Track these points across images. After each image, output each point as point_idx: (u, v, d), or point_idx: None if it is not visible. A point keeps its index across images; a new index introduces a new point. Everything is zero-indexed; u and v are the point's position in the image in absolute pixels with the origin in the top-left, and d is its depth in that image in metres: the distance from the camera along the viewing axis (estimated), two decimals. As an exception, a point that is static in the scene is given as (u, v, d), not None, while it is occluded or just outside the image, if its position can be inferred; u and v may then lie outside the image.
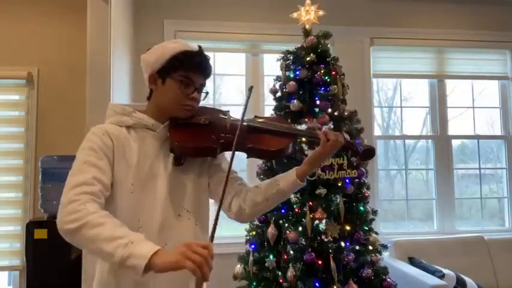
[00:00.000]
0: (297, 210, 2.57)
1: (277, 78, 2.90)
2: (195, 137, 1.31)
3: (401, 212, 4.04)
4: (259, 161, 2.79)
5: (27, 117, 3.51)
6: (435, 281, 2.92)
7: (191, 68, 1.30)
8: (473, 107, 4.20)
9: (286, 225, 2.56)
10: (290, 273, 2.42)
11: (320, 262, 2.45)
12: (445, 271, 3.10)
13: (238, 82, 3.88)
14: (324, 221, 2.55)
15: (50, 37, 3.56)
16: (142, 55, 1.37)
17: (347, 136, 2.63)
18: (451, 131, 4.08)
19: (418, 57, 4.05)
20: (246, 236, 2.77)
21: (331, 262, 2.42)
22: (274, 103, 2.89)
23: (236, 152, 1.26)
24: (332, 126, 2.68)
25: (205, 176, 1.39)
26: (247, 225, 2.78)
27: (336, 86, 2.75)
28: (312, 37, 2.82)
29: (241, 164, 3.53)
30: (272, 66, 3.26)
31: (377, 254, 2.63)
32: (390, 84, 4.21)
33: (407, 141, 4.13)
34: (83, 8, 2.80)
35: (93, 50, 2.76)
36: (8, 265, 3.42)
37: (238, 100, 3.87)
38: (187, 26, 3.64)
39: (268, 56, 3.82)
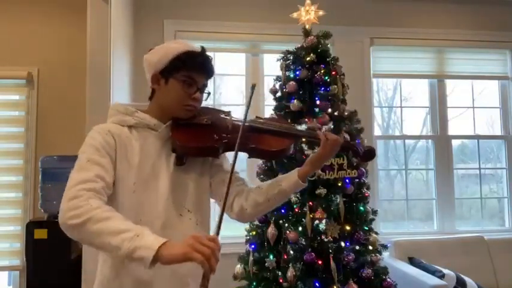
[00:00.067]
0: (297, 210, 2.57)
1: (277, 78, 2.90)
2: (197, 137, 1.31)
3: (401, 212, 4.04)
4: (260, 161, 2.79)
5: (27, 117, 3.51)
6: (435, 281, 2.92)
7: (194, 68, 1.30)
8: (473, 107, 4.19)
9: (286, 225, 2.56)
10: (290, 273, 2.42)
11: (320, 262, 2.45)
12: (445, 271, 3.10)
13: (238, 82, 3.88)
14: (324, 221, 2.55)
15: (50, 37, 3.56)
16: (144, 55, 1.37)
17: (347, 136, 2.64)
18: (451, 131, 4.08)
19: (418, 57, 4.05)
20: (246, 236, 2.77)
21: (331, 262, 2.42)
22: (274, 103, 2.89)
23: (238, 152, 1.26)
24: (332, 126, 2.68)
25: (206, 176, 1.39)
26: (247, 225, 2.79)
27: (336, 86, 2.75)
28: (312, 37, 2.82)
29: (242, 164, 3.53)
30: (272, 66, 3.26)
31: (377, 254, 2.63)
32: (390, 84, 4.21)
33: (407, 141, 4.13)
34: (83, 8, 2.81)
35: (93, 50, 2.76)
36: (8, 265, 3.42)
37: (238, 100, 3.87)
38: (187, 26, 3.64)
39: (268, 56, 3.82)
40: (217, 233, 1.08)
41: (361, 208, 2.67)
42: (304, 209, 2.53)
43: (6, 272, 3.49)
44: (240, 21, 3.71)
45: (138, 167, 1.25)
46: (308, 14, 2.92)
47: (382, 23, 3.91)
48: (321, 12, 2.93)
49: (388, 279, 2.59)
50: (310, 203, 2.54)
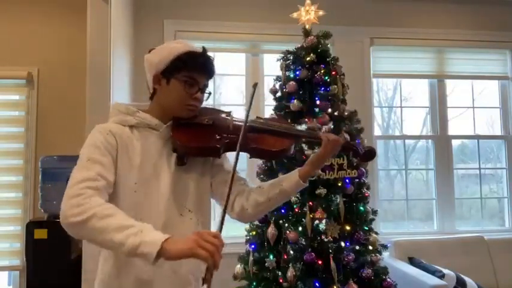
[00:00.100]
0: (297, 210, 2.57)
1: (277, 78, 2.90)
2: (198, 137, 1.32)
3: (401, 212, 4.04)
4: (260, 161, 2.79)
5: (27, 117, 3.51)
6: (435, 281, 2.92)
7: (195, 68, 1.31)
8: (473, 107, 4.20)
9: (286, 225, 2.56)
10: (290, 273, 2.42)
11: (320, 262, 2.45)
12: (445, 271, 3.10)
13: (238, 82, 3.88)
14: (324, 221, 2.55)
15: (50, 37, 3.56)
16: (145, 55, 1.38)
17: (347, 136, 2.64)
18: (451, 131, 4.08)
19: (418, 57, 4.05)
20: (246, 236, 2.77)
21: (331, 262, 2.42)
22: (274, 103, 2.89)
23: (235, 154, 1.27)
24: (332, 126, 2.68)
25: (207, 176, 1.40)
26: (247, 225, 2.79)
27: (336, 86, 2.75)
28: (312, 37, 2.82)
29: (242, 164, 3.51)
30: (272, 66, 3.26)
31: (377, 254, 2.63)
32: (390, 84, 4.21)
33: (407, 141, 4.13)
34: (83, 8, 2.80)
35: (93, 50, 2.76)
36: (8, 265, 3.42)
37: (238, 100, 3.87)
38: (187, 26, 3.64)
39: (268, 56, 3.82)
40: (220, 230, 1.09)
41: (361, 208, 2.67)
42: (304, 209, 2.53)
43: (6, 272, 3.49)
44: (240, 21, 3.71)
45: (139, 167, 1.26)
46: (308, 14, 2.92)
47: (382, 23, 3.91)
48: (321, 12, 2.93)
49: (388, 279, 2.59)
50: (310, 203, 2.54)
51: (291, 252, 2.50)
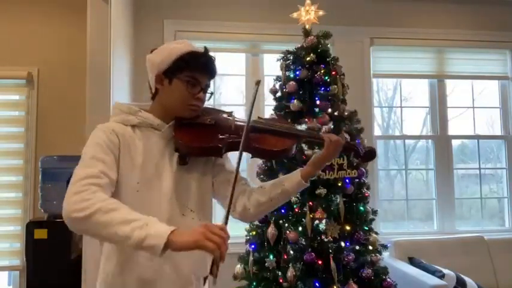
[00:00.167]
0: (297, 210, 2.57)
1: (277, 78, 2.90)
2: (200, 137, 1.32)
3: (401, 212, 4.04)
4: (260, 161, 2.79)
5: (27, 117, 3.51)
6: (435, 281, 2.92)
7: (197, 68, 1.31)
8: (473, 107, 4.19)
9: (286, 225, 2.56)
10: (290, 273, 2.42)
11: (320, 262, 2.45)
12: (445, 271, 3.10)
13: (238, 82, 3.88)
14: (324, 221, 2.55)
15: (50, 37, 3.56)
16: (147, 55, 1.38)
17: (347, 136, 2.64)
18: (451, 131, 4.08)
19: (418, 57, 4.05)
20: (246, 236, 2.77)
21: (331, 262, 2.42)
22: (274, 103, 2.89)
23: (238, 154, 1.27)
24: (332, 126, 2.68)
25: (209, 176, 1.40)
26: (247, 225, 2.79)
27: (336, 86, 2.75)
28: (312, 37, 2.82)
29: (242, 164, 3.52)
30: (272, 66, 3.26)
31: (377, 254, 2.63)
32: (390, 84, 4.21)
33: (407, 141, 4.13)
34: (83, 8, 2.80)
35: (93, 50, 2.76)
36: (8, 265, 3.42)
37: (238, 100, 3.87)
38: (187, 26, 3.64)
39: (268, 56, 3.82)
40: (226, 223, 1.11)
41: (361, 208, 2.67)
42: (304, 209, 2.53)
43: (6, 272, 3.49)
44: (240, 21, 3.71)
45: (141, 167, 1.26)
46: (308, 14, 2.92)
47: (382, 23, 3.91)
48: (321, 12, 2.93)
49: (388, 279, 2.59)
50: (310, 203, 2.54)
51: (291, 252, 2.50)
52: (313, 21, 2.92)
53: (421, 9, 3.99)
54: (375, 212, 2.77)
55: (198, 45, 1.38)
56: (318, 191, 2.53)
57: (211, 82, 1.41)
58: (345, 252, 2.50)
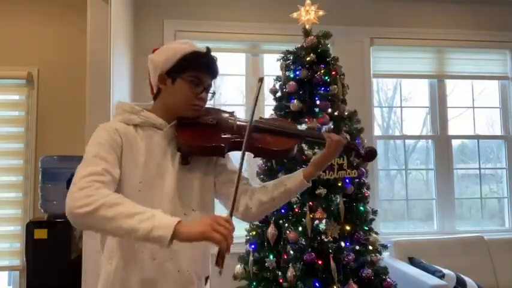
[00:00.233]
0: (297, 210, 2.57)
1: (277, 78, 2.90)
2: (203, 137, 1.33)
3: (401, 212, 4.04)
4: (260, 161, 2.79)
5: (27, 117, 3.51)
6: (435, 281, 2.92)
7: (200, 68, 1.32)
8: (473, 107, 4.19)
9: (286, 225, 2.56)
10: (290, 273, 2.42)
11: (320, 262, 2.45)
12: (445, 271, 3.10)
13: (238, 82, 3.87)
14: (324, 221, 2.55)
15: (50, 37, 3.56)
16: (149, 55, 1.39)
17: (347, 136, 2.64)
18: (451, 131, 4.08)
19: (418, 57, 4.05)
20: (246, 236, 2.77)
21: (331, 262, 2.43)
22: (274, 103, 2.89)
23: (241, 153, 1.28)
24: (332, 126, 2.68)
25: (211, 175, 1.41)
26: (247, 225, 2.79)
27: (336, 86, 2.75)
28: (312, 37, 2.82)
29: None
30: (272, 66, 3.26)
31: (377, 254, 2.63)
32: (390, 84, 4.21)
33: (407, 141, 4.13)
34: (83, 8, 2.80)
35: (93, 50, 2.76)
36: (8, 265, 3.42)
37: (238, 100, 3.87)
38: (187, 26, 3.64)
39: (268, 56, 3.82)
40: (231, 215, 1.12)
41: (361, 208, 2.67)
42: (304, 209, 2.53)
43: (6, 272, 3.49)
44: (240, 21, 3.71)
45: (143, 166, 1.27)
46: (308, 14, 2.92)
47: (382, 23, 3.91)
48: (321, 12, 2.93)
49: (388, 279, 2.59)
50: (310, 203, 2.54)
51: (291, 252, 2.50)
52: (313, 21, 2.92)
53: (421, 9, 3.99)
54: (375, 212, 2.77)
55: (198, 45, 1.38)
56: (318, 191, 2.53)
57: (212, 82, 1.41)
58: (345, 252, 2.50)
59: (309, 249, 2.46)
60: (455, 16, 4.04)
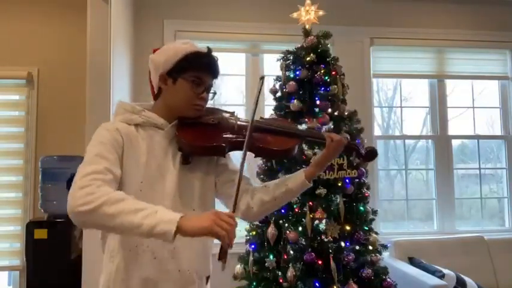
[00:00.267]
0: (297, 210, 2.57)
1: (277, 78, 2.90)
2: (204, 136, 1.33)
3: (401, 212, 4.04)
4: (260, 161, 2.79)
5: (27, 117, 3.51)
6: (435, 281, 2.92)
7: (202, 68, 1.33)
8: (473, 107, 4.19)
9: (286, 225, 2.56)
10: (290, 273, 2.42)
11: (320, 262, 2.45)
12: (445, 271, 3.10)
13: (238, 82, 3.88)
14: (324, 221, 2.55)
15: (50, 37, 3.56)
16: (150, 55, 1.39)
17: (347, 136, 2.64)
18: (451, 131, 4.08)
19: (418, 57, 4.05)
20: (246, 236, 2.77)
21: (331, 262, 2.43)
22: (274, 103, 2.89)
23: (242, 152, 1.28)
24: (332, 126, 2.68)
25: (212, 175, 1.41)
26: (247, 225, 2.79)
27: (336, 86, 2.75)
28: (312, 37, 2.82)
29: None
30: (272, 66, 3.26)
31: (377, 254, 2.63)
32: (390, 84, 4.21)
33: (407, 141, 4.13)
34: (83, 8, 2.80)
35: (93, 50, 2.76)
36: (8, 265, 3.42)
37: (238, 100, 3.87)
38: (187, 26, 3.64)
39: (268, 56, 3.82)
40: (233, 211, 1.14)
41: (361, 208, 2.67)
42: (304, 209, 2.53)
43: (6, 272, 3.49)
44: (240, 21, 3.71)
45: (145, 166, 1.27)
46: (308, 14, 2.92)
47: (382, 23, 3.91)
48: (321, 12, 2.93)
49: (388, 279, 2.59)
50: (310, 203, 2.54)
51: (291, 252, 2.50)
52: (313, 21, 2.92)
53: (421, 9, 3.99)
54: (375, 212, 2.77)
55: (199, 45, 1.38)
56: (318, 191, 2.53)
57: (213, 82, 1.41)
58: (345, 252, 2.50)
59: (309, 249, 2.46)
60: (455, 16, 4.04)
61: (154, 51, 1.40)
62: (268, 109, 3.43)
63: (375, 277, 2.54)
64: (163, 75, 1.33)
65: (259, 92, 1.36)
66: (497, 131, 4.20)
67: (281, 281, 2.48)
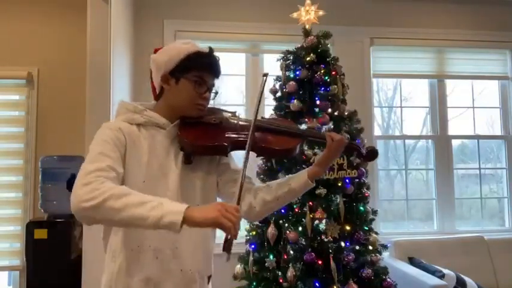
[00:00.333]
0: (297, 210, 2.57)
1: (277, 78, 2.91)
2: (206, 136, 1.34)
3: (401, 212, 4.04)
4: (260, 161, 2.79)
5: (27, 117, 3.51)
6: (435, 281, 2.92)
7: (204, 68, 1.34)
8: (473, 107, 4.19)
9: (286, 225, 2.56)
10: (290, 273, 2.42)
11: (320, 262, 2.45)
12: (445, 271, 3.10)
13: (238, 82, 3.87)
14: (324, 221, 2.55)
15: (50, 37, 3.56)
16: (152, 55, 1.39)
17: (347, 136, 2.64)
18: (451, 131, 4.08)
19: (418, 57, 4.05)
20: (246, 236, 2.77)
21: (331, 262, 2.43)
22: (274, 103, 2.90)
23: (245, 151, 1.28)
24: (332, 126, 2.68)
25: (214, 175, 1.41)
26: (247, 225, 2.79)
27: (336, 86, 2.75)
28: (312, 37, 2.82)
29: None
30: (272, 66, 3.26)
31: (377, 254, 2.64)
32: (390, 84, 4.21)
33: (407, 141, 4.13)
34: (83, 8, 2.80)
35: (93, 50, 2.76)
36: (8, 265, 3.41)
37: (238, 100, 3.87)
38: (187, 26, 3.64)
39: (268, 56, 3.82)
40: (238, 204, 1.15)
41: (361, 208, 2.67)
42: (304, 209, 2.53)
43: (6, 272, 3.49)
44: (240, 21, 3.71)
45: (146, 166, 1.27)
46: (308, 14, 2.92)
47: (382, 23, 3.91)
48: (321, 12, 2.94)
49: (388, 279, 2.59)
50: (310, 203, 2.54)
51: (291, 252, 2.50)
52: (313, 21, 2.92)
53: (421, 9, 3.99)
54: (375, 212, 2.77)
55: (199, 45, 1.38)
56: (318, 191, 2.53)
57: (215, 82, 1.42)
58: (345, 252, 2.50)
59: (309, 249, 2.46)
60: (455, 16, 4.04)
61: (155, 50, 1.40)
62: (268, 109, 3.42)
63: (375, 277, 2.54)
64: (166, 75, 1.34)
65: (263, 89, 1.36)
66: (497, 131, 4.20)
67: (281, 281, 2.48)
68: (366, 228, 2.66)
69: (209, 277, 1.39)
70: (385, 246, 2.73)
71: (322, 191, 2.53)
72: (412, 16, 3.98)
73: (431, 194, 4.05)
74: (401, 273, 3.10)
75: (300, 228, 2.51)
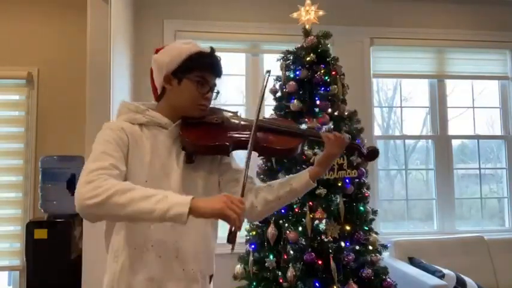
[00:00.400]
0: (297, 210, 2.57)
1: (277, 78, 2.91)
2: (207, 135, 1.34)
3: (401, 212, 4.04)
4: (260, 161, 2.79)
5: (27, 117, 3.51)
6: (435, 281, 2.92)
7: (206, 68, 1.34)
8: (473, 107, 4.19)
9: (286, 225, 2.56)
10: (290, 273, 2.42)
11: (320, 262, 2.45)
12: (445, 271, 3.10)
13: (238, 82, 3.87)
14: (324, 221, 2.55)
15: (50, 37, 3.56)
16: (153, 55, 1.39)
17: (347, 136, 2.64)
18: (451, 131, 4.08)
19: (418, 57, 4.05)
20: (246, 236, 2.77)
21: (331, 262, 2.43)
22: (274, 103, 2.90)
23: (247, 151, 1.28)
24: (332, 126, 2.68)
25: (215, 174, 1.42)
26: (247, 225, 2.79)
27: (336, 86, 2.75)
28: (312, 37, 2.82)
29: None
30: (272, 66, 3.25)
31: (377, 254, 2.64)
32: (390, 84, 4.21)
33: (407, 141, 4.13)
34: (83, 8, 2.80)
35: (93, 50, 2.76)
36: (8, 265, 3.42)
37: (238, 100, 3.87)
38: (187, 26, 3.64)
39: (268, 56, 3.82)
40: (242, 196, 1.16)
41: (361, 208, 2.67)
42: (304, 209, 2.53)
43: (6, 272, 3.49)
44: (240, 21, 3.71)
45: (149, 165, 1.28)
46: (308, 14, 2.92)
47: (382, 23, 3.91)
48: (321, 12, 2.94)
49: (388, 279, 2.59)
50: (310, 203, 2.54)
51: (291, 252, 2.50)
52: (313, 21, 2.92)
53: (421, 9, 3.99)
54: (374, 212, 2.77)
55: (200, 45, 1.39)
56: (318, 191, 2.53)
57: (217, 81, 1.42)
58: (345, 252, 2.50)
59: (309, 249, 2.46)
60: (455, 16, 4.04)
61: (156, 51, 1.40)
62: (268, 109, 3.42)
63: (375, 277, 2.55)
64: (168, 75, 1.34)
65: (266, 86, 1.36)
66: (497, 131, 4.20)
67: (281, 281, 2.48)
68: (366, 228, 2.66)
69: (211, 276, 1.39)
70: (385, 246, 2.73)
71: (322, 191, 2.53)
72: (412, 16, 3.98)
73: (431, 194, 4.05)
74: (401, 273, 3.10)
75: (300, 228, 2.51)
